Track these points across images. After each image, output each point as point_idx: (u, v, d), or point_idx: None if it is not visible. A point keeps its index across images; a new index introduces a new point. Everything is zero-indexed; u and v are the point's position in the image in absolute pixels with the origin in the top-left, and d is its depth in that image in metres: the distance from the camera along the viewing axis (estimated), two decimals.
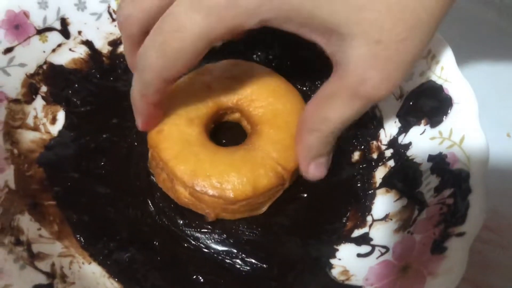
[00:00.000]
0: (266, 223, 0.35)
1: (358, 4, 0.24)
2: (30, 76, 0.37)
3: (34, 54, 0.38)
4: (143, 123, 0.32)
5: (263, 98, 0.36)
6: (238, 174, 0.32)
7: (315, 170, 0.32)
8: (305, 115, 0.31)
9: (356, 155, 0.40)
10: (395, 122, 0.38)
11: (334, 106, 0.28)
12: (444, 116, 0.34)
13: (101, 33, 0.41)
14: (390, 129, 0.38)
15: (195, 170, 0.32)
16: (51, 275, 0.30)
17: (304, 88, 0.42)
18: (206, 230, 0.34)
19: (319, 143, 0.30)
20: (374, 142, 0.39)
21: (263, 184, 0.33)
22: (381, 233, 0.34)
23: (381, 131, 0.39)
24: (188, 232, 0.34)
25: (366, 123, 0.40)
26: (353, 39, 0.25)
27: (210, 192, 0.32)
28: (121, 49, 0.42)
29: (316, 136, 0.30)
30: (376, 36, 0.25)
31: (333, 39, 0.26)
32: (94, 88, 0.41)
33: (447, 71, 0.35)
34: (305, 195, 0.37)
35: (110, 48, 0.42)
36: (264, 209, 0.35)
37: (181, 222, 0.35)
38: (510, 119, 0.47)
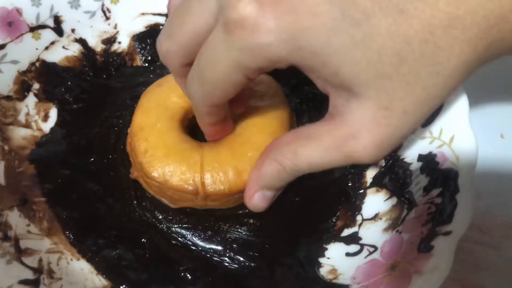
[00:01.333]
0: (255, 221, 0.35)
1: (384, 72, 0.24)
2: (23, 73, 0.37)
3: (26, 51, 0.38)
4: (208, 137, 0.34)
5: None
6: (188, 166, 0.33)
7: (258, 201, 0.31)
8: (275, 143, 0.30)
9: None
10: None
11: (311, 146, 0.28)
12: (435, 116, 0.34)
13: (95, 31, 0.42)
14: None
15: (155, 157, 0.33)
16: (38, 270, 0.30)
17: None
18: (191, 227, 0.35)
19: (275, 176, 0.30)
20: None
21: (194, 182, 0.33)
22: (370, 232, 0.34)
23: None
24: (175, 229, 0.35)
25: None
26: (365, 101, 0.25)
27: (158, 178, 0.33)
28: (114, 47, 0.43)
29: (276, 167, 0.29)
30: (386, 103, 0.25)
31: (344, 94, 0.26)
32: (87, 86, 0.41)
33: None
34: (294, 193, 0.37)
35: (103, 46, 0.42)
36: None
37: (165, 218, 0.35)
38: (504, 120, 0.46)
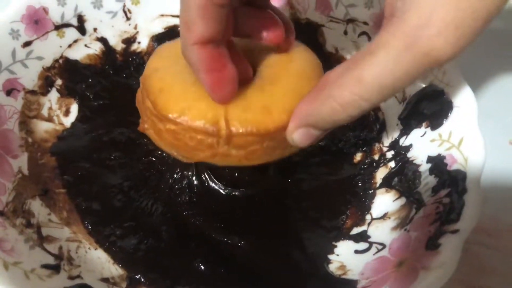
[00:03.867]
0: (266, 217, 0.36)
1: None
2: (47, 69, 0.39)
3: (51, 48, 0.39)
4: (212, 89, 0.26)
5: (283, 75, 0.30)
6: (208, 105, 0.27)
7: (300, 137, 0.27)
8: (330, 75, 0.25)
9: (358, 156, 0.41)
10: (397, 124, 0.39)
11: (378, 61, 0.22)
12: (444, 119, 0.35)
13: (116, 31, 0.43)
14: (392, 131, 0.39)
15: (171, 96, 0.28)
16: (58, 257, 0.31)
17: None
18: (208, 218, 0.36)
19: (329, 115, 0.25)
20: (376, 144, 0.40)
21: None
22: (379, 231, 0.35)
23: (384, 134, 0.40)
24: (192, 221, 0.36)
25: (370, 126, 0.41)
26: None
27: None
28: (134, 47, 0.44)
29: (331, 105, 0.24)
30: None
31: None
32: (107, 84, 0.42)
33: (449, 76, 0.36)
34: (299, 191, 0.38)
35: (123, 45, 0.44)
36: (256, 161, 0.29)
37: (183, 210, 0.36)
38: None
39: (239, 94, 0.28)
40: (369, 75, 0.23)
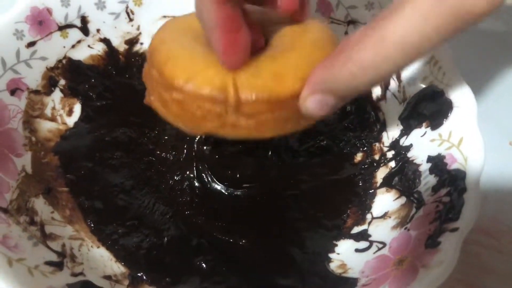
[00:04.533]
0: (267, 217, 0.36)
1: None
2: (50, 69, 0.39)
3: (55, 49, 0.40)
4: (225, 51, 0.25)
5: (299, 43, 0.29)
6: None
7: (314, 104, 0.25)
8: (350, 39, 0.23)
9: (358, 156, 0.41)
10: (397, 125, 0.39)
11: (400, 18, 0.20)
12: (444, 119, 0.35)
13: (119, 32, 0.43)
14: (392, 131, 0.39)
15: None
16: (61, 254, 0.32)
17: None
18: (209, 218, 0.36)
19: (347, 81, 0.23)
20: (377, 144, 0.40)
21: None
22: (379, 230, 0.35)
23: (384, 134, 0.40)
24: (194, 220, 0.36)
25: (370, 125, 0.41)
26: None
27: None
28: (136, 48, 0.45)
29: (350, 70, 0.22)
30: None
31: None
32: (110, 84, 0.43)
33: (448, 76, 0.36)
34: (301, 191, 0.38)
35: (126, 46, 0.44)
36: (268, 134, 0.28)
37: (187, 213, 0.36)
38: None
39: (250, 61, 0.26)
40: (394, 33, 0.21)
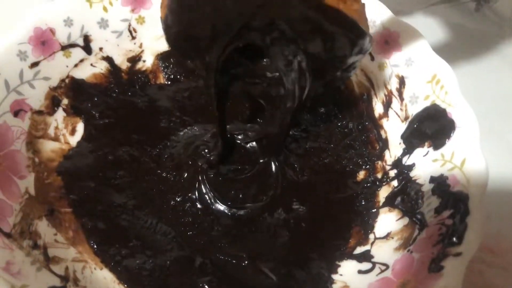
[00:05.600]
0: (270, 237, 0.36)
1: None
2: (53, 89, 0.39)
3: (58, 68, 0.40)
4: None
5: None
6: None
7: None
8: None
9: (361, 174, 0.41)
10: (399, 143, 0.39)
11: None
12: (447, 139, 0.35)
13: (121, 50, 0.44)
14: (395, 150, 0.39)
15: None
16: (64, 278, 0.32)
17: None
18: (211, 239, 0.36)
19: None
20: (379, 162, 0.40)
21: None
22: (382, 251, 0.35)
23: (386, 152, 0.40)
24: (197, 240, 0.36)
25: (372, 143, 0.41)
26: None
27: None
28: (139, 65, 0.45)
29: None
30: None
31: None
32: (112, 102, 0.43)
33: (451, 96, 0.36)
34: (304, 210, 0.38)
35: (128, 64, 0.44)
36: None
37: (190, 233, 0.36)
38: None
39: None
40: None
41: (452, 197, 0.32)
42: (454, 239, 0.30)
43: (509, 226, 0.41)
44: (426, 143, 0.37)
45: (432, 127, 0.37)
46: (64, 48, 0.40)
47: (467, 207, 0.31)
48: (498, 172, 0.43)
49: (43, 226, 0.34)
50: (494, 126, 0.47)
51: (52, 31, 0.39)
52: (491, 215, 0.41)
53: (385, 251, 0.34)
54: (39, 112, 0.38)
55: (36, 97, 0.38)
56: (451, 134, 0.35)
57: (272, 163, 0.40)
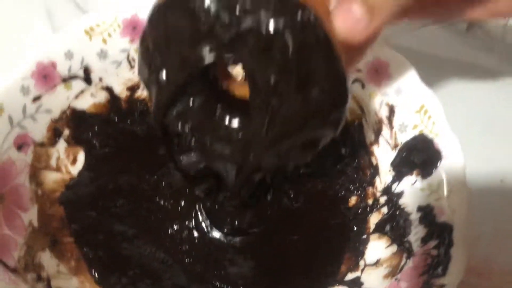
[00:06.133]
0: (265, 264, 0.38)
1: None
2: (55, 121, 0.41)
3: (59, 101, 0.41)
4: None
5: None
6: None
7: (343, 20, 0.22)
8: None
9: (353, 200, 0.42)
10: (389, 170, 0.40)
11: None
12: (434, 169, 0.36)
13: (120, 79, 0.45)
14: (385, 177, 0.41)
15: None
16: None
17: None
18: (212, 267, 0.38)
19: None
20: (370, 188, 0.42)
21: None
22: (372, 278, 0.36)
23: (377, 178, 0.41)
24: (195, 268, 0.38)
25: (364, 169, 0.43)
26: None
27: None
28: (138, 93, 0.46)
29: None
30: None
31: None
32: (112, 131, 0.44)
33: (437, 126, 0.37)
34: (298, 237, 0.39)
35: (128, 93, 0.45)
36: None
37: (187, 261, 0.38)
38: (505, 165, 0.49)
39: None
40: None
41: (437, 228, 0.34)
42: (439, 270, 0.31)
43: (496, 249, 0.43)
44: (415, 172, 0.38)
45: (420, 156, 0.38)
46: (65, 80, 0.41)
47: (451, 239, 0.32)
48: (486, 195, 0.45)
49: (46, 258, 0.35)
50: (483, 149, 0.48)
51: (53, 65, 0.40)
52: (480, 238, 0.43)
53: (374, 279, 0.36)
54: (42, 144, 0.40)
55: (38, 130, 0.39)
56: (438, 164, 0.36)
57: (266, 190, 0.41)
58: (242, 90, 0.30)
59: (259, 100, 0.25)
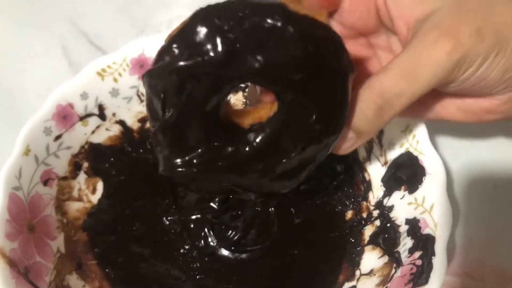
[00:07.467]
0: (270, 277, 0.42)
1: None
2: (75, 155, 0.45)
3: (77, 137, 0.46)
4: None
5: None
6: None
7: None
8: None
9: (349, 214, 0.46)
10: (380, 185, 0.44)
11: (430, 59, 0.26)
12: (419, 185, 0.40)
13: (132, 113, 0.49)
14: (377, 191, 0.44)
15: None
16: None
17: None
18: (221, 282, 0.42)
19: (373, 115, 0.28)
20: (364, 203, 0.45)
21: None
22: (366, 287, 0.40)
23: (370, 193, 0.45)
24: (206, 284, 0.42)
25: (358, 185, 0.46)
26: None
27: None
28: (148, 125, 0.50)
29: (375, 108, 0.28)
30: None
31: None
32: (127, 160, 0.49)
33: (421, 145, 0.40)
34: (300, 250, 0.43)
35: (139, 124, 0.50)
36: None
37: (199, 277, 0.42)
38: (497, 172, 0.51)
39: None
40: (426, 72, 0.28)
41: (422, 239, 0.37)
42: (422, 279, 0.35)
43: (489, 252, 0.45)
44: (403, 187, 0.41)
45: (406, 172, 0.41)
46: (82, 118, 0.46)
47: (433, 249, 0.36)
48: (479, 200, 0.47)
49: (73, 280, 0.40)
50: (476, 155, 0.50)
51: (71, 106, 0.45)
52: (472, 240, 0.45)
53: (368, 287, 0.39)
54: (64, 178, 0.44)
55: (60, 165, 0.44)
56: (422, 180, 0.40)
57: (269, 208, 0.45)
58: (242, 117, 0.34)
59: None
